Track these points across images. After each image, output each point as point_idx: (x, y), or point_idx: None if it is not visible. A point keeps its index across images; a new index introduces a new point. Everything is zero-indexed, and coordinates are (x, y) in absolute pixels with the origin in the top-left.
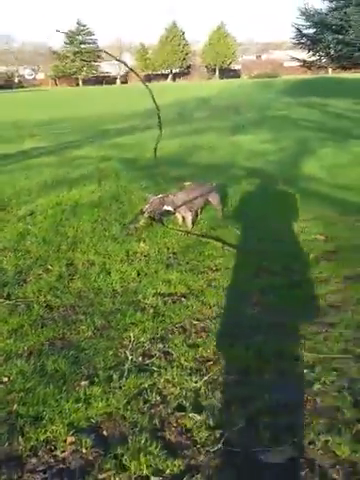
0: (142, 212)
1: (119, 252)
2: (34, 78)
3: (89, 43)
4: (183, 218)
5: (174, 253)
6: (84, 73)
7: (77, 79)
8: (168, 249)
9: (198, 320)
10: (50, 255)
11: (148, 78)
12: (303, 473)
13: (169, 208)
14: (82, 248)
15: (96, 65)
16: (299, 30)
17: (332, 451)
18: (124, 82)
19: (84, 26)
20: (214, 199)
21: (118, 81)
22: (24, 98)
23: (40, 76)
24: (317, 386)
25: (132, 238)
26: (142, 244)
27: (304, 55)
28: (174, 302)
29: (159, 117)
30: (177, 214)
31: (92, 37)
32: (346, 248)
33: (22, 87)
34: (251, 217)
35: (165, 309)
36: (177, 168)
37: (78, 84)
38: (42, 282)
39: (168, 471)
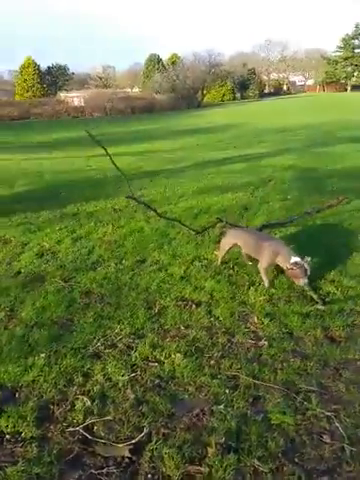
0: (219, 220)
1: (189, 255)
2: (304, 84)
3: None
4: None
5: (235, 264)
6: (354, 78)
7: (346, 85)
8: (236, 259)
9: (186, 327)
10: (135, 250)
11: None
12: None
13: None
14: (165, 248)
15: None
16: None
17: None
18: None
19: None
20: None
21: None
22: (284, 104)
23: (309, 82)
24: None
25: (213, 245)
26: (216, 252)
27: None
28: (183, 308)
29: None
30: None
31: None
32: None
33: (289, 93)
34: None
35: (169, 312)
36: (349, 182)
37: (346, 89)
38: (104, 270)
39: None
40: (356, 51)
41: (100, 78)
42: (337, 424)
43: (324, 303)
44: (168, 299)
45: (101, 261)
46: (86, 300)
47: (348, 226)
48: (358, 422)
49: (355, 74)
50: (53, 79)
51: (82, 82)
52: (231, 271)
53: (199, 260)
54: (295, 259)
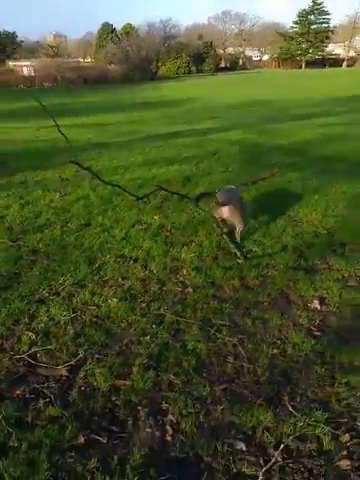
0: (160, 188)
1: (130, 219)
2: (260, 60)
3: (320, 23)
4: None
5: (172, 229)
6: (310, 55)
7: (300, 61)
8: (173, 223)
9: (123, 278)
10: (81, 215)
11: None
12: None
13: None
14: (109, 213)
15: (323, 46)
16: None
17: None
18: (351, 65)
19: (319, 5)
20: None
21: (345, 64)
22: (239, 80)
23: (265, 58)
24: None
25: (153, 211)
26: (156, 217)
27: None
28: (122, 263)
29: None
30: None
31: (326, 16)
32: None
33: (245, 69)
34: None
35: (109, 266)
36: (289, 157)
37: (301, 66)
38: (50, 232)
39: None
40: (312, 27)
41: (51, 47)
42: (240, 349)
43: (245, 259)
44: (109, 256)
45: (48, 224)
46: (33, 257)
47: (280, 195)
48: (257, 347)
49: (310, 51)
50: (1, 47)
51: (32, 51)
52: (168, 233)
53: (139, 224)
54: None
